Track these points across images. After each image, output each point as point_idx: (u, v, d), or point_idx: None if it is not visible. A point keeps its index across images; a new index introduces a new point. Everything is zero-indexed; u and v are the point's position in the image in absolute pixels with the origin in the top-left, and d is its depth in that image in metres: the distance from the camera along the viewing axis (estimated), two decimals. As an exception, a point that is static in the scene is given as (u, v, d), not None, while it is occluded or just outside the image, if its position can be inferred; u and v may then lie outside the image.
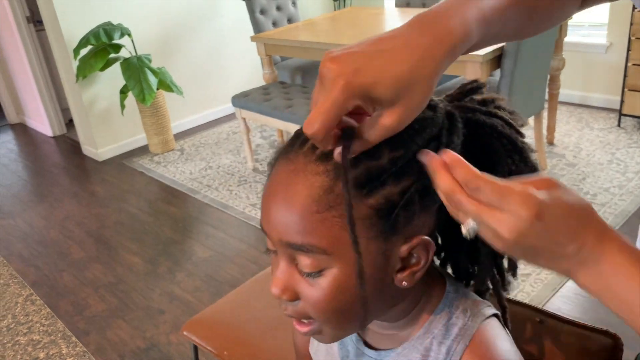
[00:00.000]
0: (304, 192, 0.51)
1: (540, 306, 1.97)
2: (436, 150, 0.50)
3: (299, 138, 0.55)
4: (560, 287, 2.07)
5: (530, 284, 2.10)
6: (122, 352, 2.06)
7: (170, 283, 2.44)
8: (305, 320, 0.58)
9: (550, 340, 0.78)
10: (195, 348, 1.42)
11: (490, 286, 0.64)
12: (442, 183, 0.47)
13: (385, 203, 0.51)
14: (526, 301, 0.72)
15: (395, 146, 0.51)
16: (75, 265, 2.68)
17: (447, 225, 0.57)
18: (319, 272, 0.53)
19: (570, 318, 0.77)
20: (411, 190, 0.51)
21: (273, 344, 1.29)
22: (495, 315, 0.62)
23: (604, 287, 0.46)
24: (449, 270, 0.67)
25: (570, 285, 2.08)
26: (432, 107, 0.54)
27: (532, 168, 0.57)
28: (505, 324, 0.64)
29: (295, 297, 0.55)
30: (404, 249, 0.54)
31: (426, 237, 0.55)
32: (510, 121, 0.58)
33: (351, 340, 0.70)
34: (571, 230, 0.45)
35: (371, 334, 0.67)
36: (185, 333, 1.37)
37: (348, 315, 0.56)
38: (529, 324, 0.80)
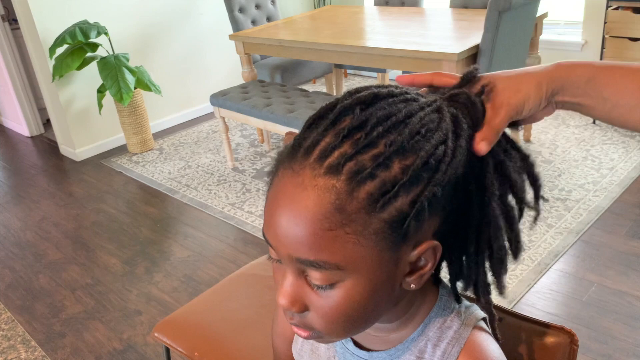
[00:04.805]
0: (315, 209, 0.49)
1: (514, 302, 1.99)
2: (443, 155, 0.51)
3: (301, 145, 0.52)
4: (535, 284, 2.10)
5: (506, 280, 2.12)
6: (98, 353, 2.05)
7: (148, 284, 2.42)
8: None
9: (510, 338, 0.79)
10: (167, 350, 1.41)
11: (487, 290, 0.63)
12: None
13: (397, 215, 0.50)
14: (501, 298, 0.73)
15: (405, 154, 0.50)
16: (51, 266, 2.65)
17: (453, 227, 0.57)
18: (330, 285, 0.52)
19: (528, 315, 0.79)
20: (421, 198, 0.50)
21: (245, 344, 1.29)
22: (483, 318, 0.64)
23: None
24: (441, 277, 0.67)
25: (544, 281, 2.11)
26: (437, 109, 0.54)
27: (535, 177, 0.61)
28: (493, 329, 0.65)
29: (305, 308, 0.54)
30: (413, 254, 0.53)
31: (434, 242, 0.54)
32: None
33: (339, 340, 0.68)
34: None
35: (362, 335, 0.66)
36: (156, 334, 1.36)
37: (356, 323, 0.55)
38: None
